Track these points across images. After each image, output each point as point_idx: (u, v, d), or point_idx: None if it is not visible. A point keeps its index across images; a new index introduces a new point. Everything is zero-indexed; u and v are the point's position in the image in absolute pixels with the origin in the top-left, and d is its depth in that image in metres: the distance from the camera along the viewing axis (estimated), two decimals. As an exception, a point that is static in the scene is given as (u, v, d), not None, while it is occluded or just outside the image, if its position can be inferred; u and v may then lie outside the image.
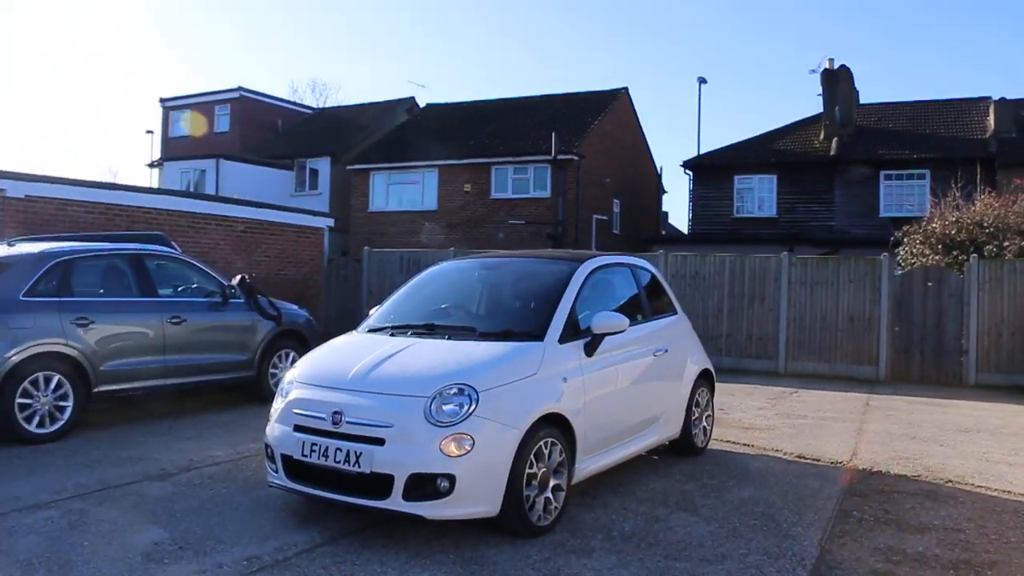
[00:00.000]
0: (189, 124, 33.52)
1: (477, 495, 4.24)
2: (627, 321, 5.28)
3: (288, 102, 35.58)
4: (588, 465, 5.09)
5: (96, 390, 7.23)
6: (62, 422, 6.90)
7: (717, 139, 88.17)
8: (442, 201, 26.28)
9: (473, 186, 25.76)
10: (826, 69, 24.21)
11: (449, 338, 4.99)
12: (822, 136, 23.91)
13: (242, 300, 8.73)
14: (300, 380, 4.91)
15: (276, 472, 4.72)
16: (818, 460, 6.66)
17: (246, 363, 8.69)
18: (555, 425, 4.69)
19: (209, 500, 5.16)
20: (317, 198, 28.77)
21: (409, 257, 16.87)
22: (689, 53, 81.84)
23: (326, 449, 4.42)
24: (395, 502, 4.20)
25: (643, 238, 24.59)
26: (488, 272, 6.01)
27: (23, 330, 6.75)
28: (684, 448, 6.55)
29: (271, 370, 8.95)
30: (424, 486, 4.19)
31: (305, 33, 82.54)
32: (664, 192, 34.20)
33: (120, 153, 78.91)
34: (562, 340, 4.96)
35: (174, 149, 33.02)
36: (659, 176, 31.83)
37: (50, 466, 5.95)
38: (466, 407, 4.28)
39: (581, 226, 24.73)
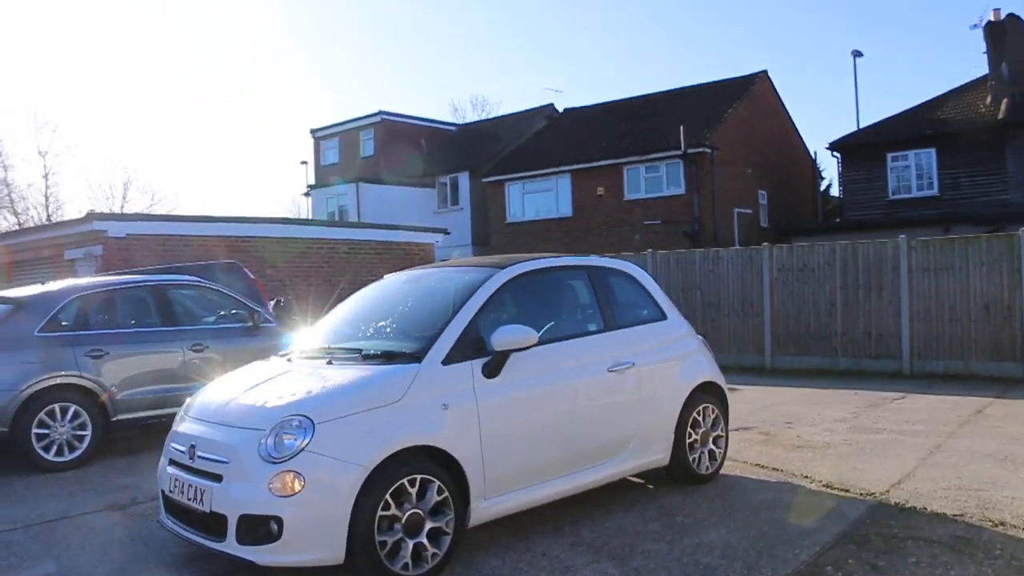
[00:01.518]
0: (337, 151, 35.22)
1: (311, 540, 3.75)
2: (535, 335, 4.49)
3: (432, 121, 36.44)
4: (499, 504, 4.42)
5: (115, 419, 7.42)
6: (80, 450, 7.12)
7: (878, 117, 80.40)
8: (576, 206, 25.80)
9: (607, 189, 25.05)
10: (990, 22, 21.22)
11: (330, 363, 4.53)
12: (988, 99, 20.93)
13: (273, 324, 8.72)
14: (184, 410, 4.68)
15: (161, 510, 4.49)
16: (847, 491, 5.49)
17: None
18: (432, 459, 4.08)
19: (136, 533, 5.03)
20: (459, 213, 29.18)
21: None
22: (841, 26, 75.51)
23: (183, 485, 4.15)
24: (230, 544, 3.83)
25: (782, 229, 22.66)
26: (409, 286, 5.48)
27: (35, 364, 7.04)
28: (681, 475, 5.62)
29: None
30: (256, 528, 3.78)
31: (460, 48, 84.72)
32: (822, 178, 31.67)
33: (280, 183, 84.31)
34: (448, 361, 4.34)
35: (325, 176, 34.80)
36: (813, 161, 29.43)
37: (37, 494, 6.12)
38: (300, 441, 3.81)
39: (720, 222, 23.28)
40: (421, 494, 4.01)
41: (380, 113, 34.45)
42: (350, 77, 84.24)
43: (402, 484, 3.93)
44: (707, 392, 5.81)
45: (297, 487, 3.72)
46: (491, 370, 4.42)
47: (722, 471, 5.93)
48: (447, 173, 29.99)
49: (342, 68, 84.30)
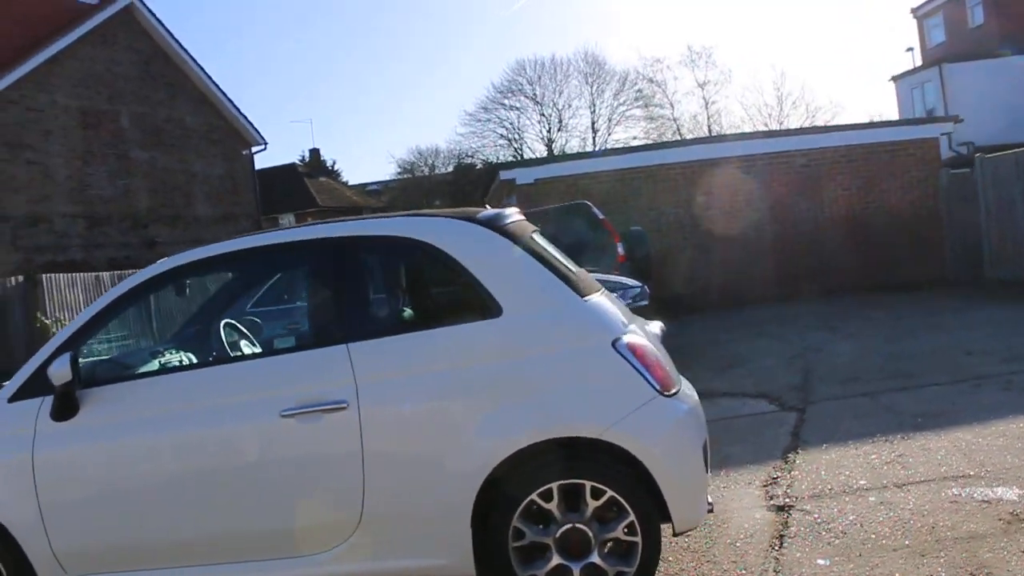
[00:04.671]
0: (942, 28, 29.68)
1: None
2: (67, 370, 3.23)
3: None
4: None
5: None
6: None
7: None
8: None
9: None
10: None
11: None
12: None
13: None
14: None
15: None
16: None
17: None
18: None
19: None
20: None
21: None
22: None
23: None
24: None
25: None
26: None
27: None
28: None
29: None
30: None
31: None
32: None
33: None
34: (15, 397, 3.42)
35: (933, 60, 29.76)
36: None
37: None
38: None
39: None
40: None
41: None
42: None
43: None
44: (589, 458, 3.24)
45: None
46: (56, 412, 3.30)
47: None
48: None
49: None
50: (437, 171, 46.06)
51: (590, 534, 3.20)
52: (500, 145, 43.66)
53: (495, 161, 39.57)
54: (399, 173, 47.49)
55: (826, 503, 4.32)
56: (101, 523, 3.36)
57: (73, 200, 18.87)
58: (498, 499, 3.20)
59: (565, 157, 14.51)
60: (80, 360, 3.39)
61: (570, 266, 3.77)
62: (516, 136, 43.38)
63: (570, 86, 42.49)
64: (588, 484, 3.16)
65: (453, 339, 3.31)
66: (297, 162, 48.46)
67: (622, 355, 3.25)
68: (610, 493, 3.17)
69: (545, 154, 40.03)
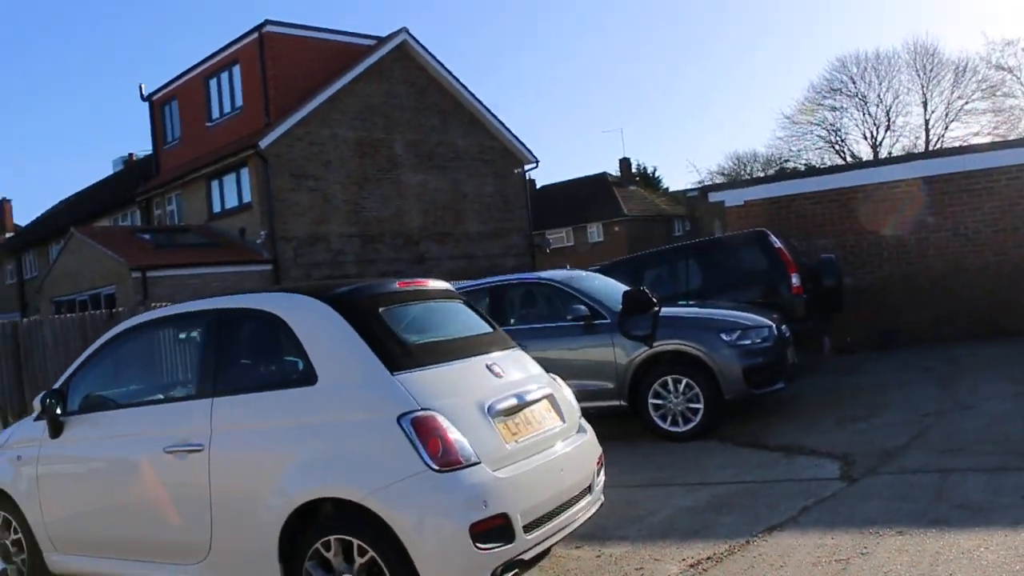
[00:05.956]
0: None
1: None
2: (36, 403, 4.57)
3: None
4: (68, 562, 4.55)
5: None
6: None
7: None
8: None
9: None
10: None
11: None
12: None
13: (609, 321, 7.74)
14: None
15: None
16: None
17: (611, 391, 7.64)
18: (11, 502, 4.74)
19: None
20: None
21: None
22: None
23: None
24: None
25: None
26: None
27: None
28: None
29: (653, 400, 7.46)
30: None
31: None
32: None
33: None
34: (39, 417, 4.64)
35: None
36: None
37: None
38: None
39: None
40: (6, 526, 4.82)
41: None
42: None
43: None
44: (358, 518, 3.45)
45: None
46: (51, 430, 4.52)
47: None
48: None
49: None
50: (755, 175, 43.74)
51: None
52: (820, 148, 40.06)
53: (816, 164, 36.41)
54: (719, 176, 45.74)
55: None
56: (65, 514, 4.48)
57: (349, 221, 21.11)
58: (296, 544, 3.62)
59: (778, 176, 12.60)
60: (70, 394, 4.56)
61: (416, 339, 4.03)
62: (838, 139, 39.42)
63: (898, 81, 37.46)
64: (355, 542, 3.44)
65: (279, 401, 3.81)
66: (609, 172, 49.03)
67: (403, 429, 3.44)
68: (371, 553, 3.39)
69: (870, 156, 35.83)
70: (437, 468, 3.39)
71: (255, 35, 20.22)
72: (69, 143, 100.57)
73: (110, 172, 33.38)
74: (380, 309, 4.01)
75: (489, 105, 24.53)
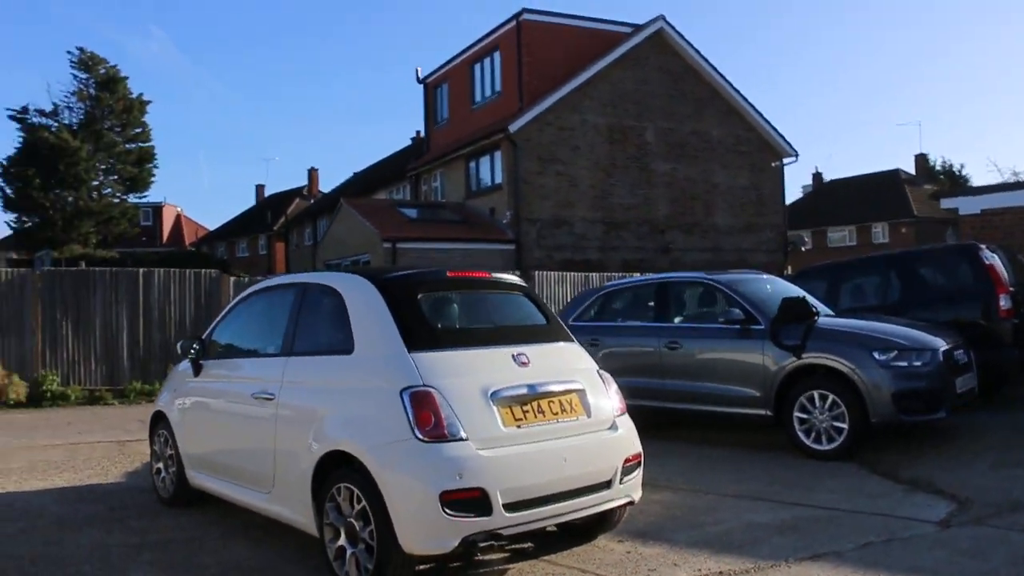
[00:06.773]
0: None
1: None
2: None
3: None
4: (200, 480, 5.56)
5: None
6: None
7: None
8: None
9: None
10: None
11: None
12: None
13: (763, 327, 7.44)
14: None
15: None
16: None
17: (756, 400, 7.35)
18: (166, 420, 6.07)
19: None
20: None
21: None
22: None
23: None
24: None
25: None
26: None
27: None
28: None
29: (799, 413, 7.07)
30: None
31: None
32: None
33: None
34: (190, 360, 5.76)
35: None
36: None
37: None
38: None
39: None
40: (166, 442, 6.03)
41: None
42: None
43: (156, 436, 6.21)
44: (360, 471, 3.96)
45: None
46: (194, 370, 5.71)
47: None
48: None
49: None
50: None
51: (356, 528, 3.96)
52: None
53: None
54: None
55: None
56: (195, 440, 5.60)
57: (594, 207, 21.62)
58: (323, 489, 4.18)
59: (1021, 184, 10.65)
60: (210, 343, 5.69)
61: (440, 324, 4.49)
62: None
63: None
64: (355, 491, 3.96)
65: (326, 365, 4.47)
66: (903, 169, 44.67)
67: (402, 400, 3.88)
68: (364, 503, 3.90)
69: None
70: (422, 438, 3.78)
71: (513, 23, 21.35)
72: (375, 118, 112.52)
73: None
74: (420, 295, 4.45)
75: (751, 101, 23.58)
